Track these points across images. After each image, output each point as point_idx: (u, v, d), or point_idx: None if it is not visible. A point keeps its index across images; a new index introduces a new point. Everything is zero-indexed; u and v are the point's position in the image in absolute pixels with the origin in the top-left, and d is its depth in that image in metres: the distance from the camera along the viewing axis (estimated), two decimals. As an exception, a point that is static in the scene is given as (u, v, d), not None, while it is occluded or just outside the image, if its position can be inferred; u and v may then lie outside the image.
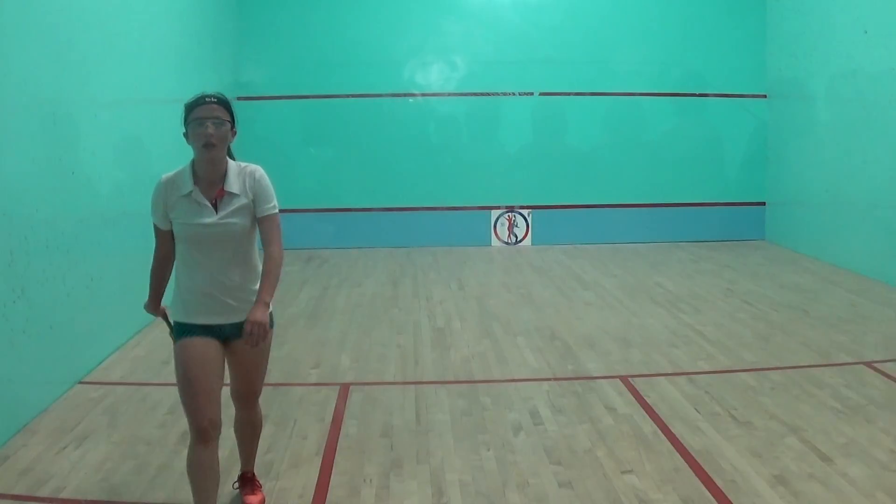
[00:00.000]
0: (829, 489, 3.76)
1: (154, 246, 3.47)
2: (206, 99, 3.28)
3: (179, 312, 3.38)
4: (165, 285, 3.54)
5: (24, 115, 4.79)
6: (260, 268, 3.38)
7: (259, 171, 3.39)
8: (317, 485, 3.93)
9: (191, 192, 3.29)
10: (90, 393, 5.22)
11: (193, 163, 3.34)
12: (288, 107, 10.77)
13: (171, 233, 3.38)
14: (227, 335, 3.38)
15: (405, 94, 10.84)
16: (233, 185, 3.32)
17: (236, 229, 3.31)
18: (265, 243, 3.38)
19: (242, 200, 3.32)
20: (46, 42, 5.07)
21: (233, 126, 3.32)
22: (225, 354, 3.42)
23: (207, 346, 3.32)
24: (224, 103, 3.31)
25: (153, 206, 3.37)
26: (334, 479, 3.99)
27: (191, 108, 3.28)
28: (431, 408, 4.98)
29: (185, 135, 3.30)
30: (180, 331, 3.37)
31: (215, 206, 3.29)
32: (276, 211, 3.38)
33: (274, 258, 3.34)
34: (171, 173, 3.37)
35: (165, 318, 3.51)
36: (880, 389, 5.12)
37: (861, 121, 8.63)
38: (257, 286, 3.36)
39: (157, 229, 3.43)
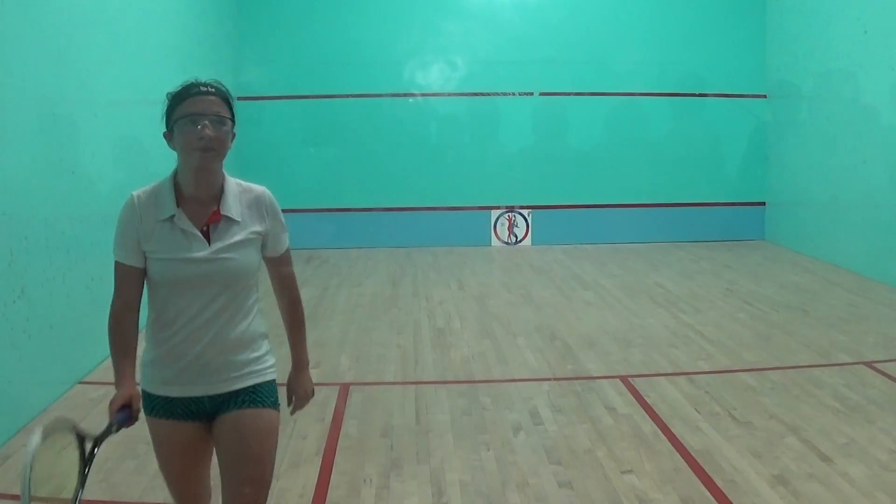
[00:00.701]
0: (829, 489, 3.76)
1: (112, 298, 2.53)
2: (201, 88, 2.47)
3: (148, 379, 2.53)
4: (135, 352, 2.55)
5: (24, 114, 4.79)
6: (261, 319, 2.60)
7: (269, 194, 2.60)
8: (317, 485, 3.93)
9: (173, 216, 2.45)
10: (90, 393, 5.21)
11: (176, 176, 2.50)
12: (288, 107, 10.77)
13: (142, 273, 2.50)
14: (213, 409, 2.53)
15: (405, 94, 10.84)
16: (231, 207, 2.49)
17: (235, 267, 2.47)
18: (284, 287, 2.69)
19: (244, 231, 2.50)
20: (46, 42, 5.07)
21: (233, 125, 2.51)
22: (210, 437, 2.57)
23: (187, 435, 2.53)
24: (223, 95, 2.50)
25: (120, 234, 2.49)
26: (334, 479, 3.99)
27: (179, 100, 2.46)
28: (431, 408, 4.98)
29: (168, 136, 2.49)
30: (149, 404, 2.55)
31: (207, 236, 2.46)
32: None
33: (301, 305, 2.73)
34: (144, 190, 2.51)
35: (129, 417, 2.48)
36: (880, 389, 5.12)
37: (861, 121, 8.63)
38: (259, 344, 2.57)
39: (120, 269, 2.50)
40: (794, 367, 5.62)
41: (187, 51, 8.18)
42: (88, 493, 3.80)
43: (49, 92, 5.12)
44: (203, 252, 2.45)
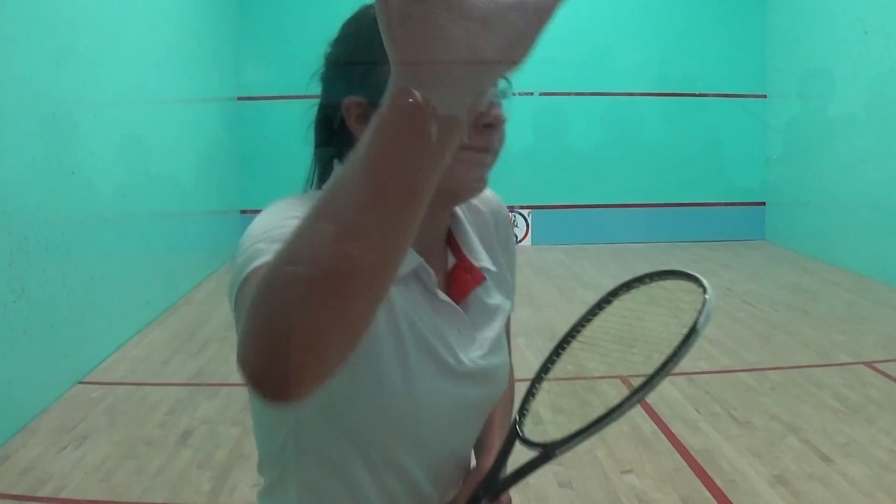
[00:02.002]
0: (829, 489, 3.76)
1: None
2: None
3: None
4: None
5: (24, 114, 4.79)
6: None
7: (504, 206, 1.42)
8: (317, 485, 3.92)
9: (415, 268, 1.16)
10: (90, 393, 5.21)
11: None
12: (288, 107, 10.74)
13: None
14: None
15: (405, 94, 10.83)
16: (478, 250, 1.29)
17: (503, 377, 1.42)
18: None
19: (499, 291, 1.38)
20: (46, 42, 5.07)
21: None
22: None
23: None
24: None
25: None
26: (334, 479, 3.98)
27: None
28: (431, 408, 4.97)
29: (358, 106, 1.14)
30: None
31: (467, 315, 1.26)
32: None
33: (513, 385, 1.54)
34: None
35: None
36: (880, 389, 5.12)
37: (861, 121, 8.63)
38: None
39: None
40: (794, 367, 5.62)
41: (188, 50, 8.18)
42: (88, 493, 3.82)
43: (49, 92, 5.12)
44: (472, 353, 1.24)
